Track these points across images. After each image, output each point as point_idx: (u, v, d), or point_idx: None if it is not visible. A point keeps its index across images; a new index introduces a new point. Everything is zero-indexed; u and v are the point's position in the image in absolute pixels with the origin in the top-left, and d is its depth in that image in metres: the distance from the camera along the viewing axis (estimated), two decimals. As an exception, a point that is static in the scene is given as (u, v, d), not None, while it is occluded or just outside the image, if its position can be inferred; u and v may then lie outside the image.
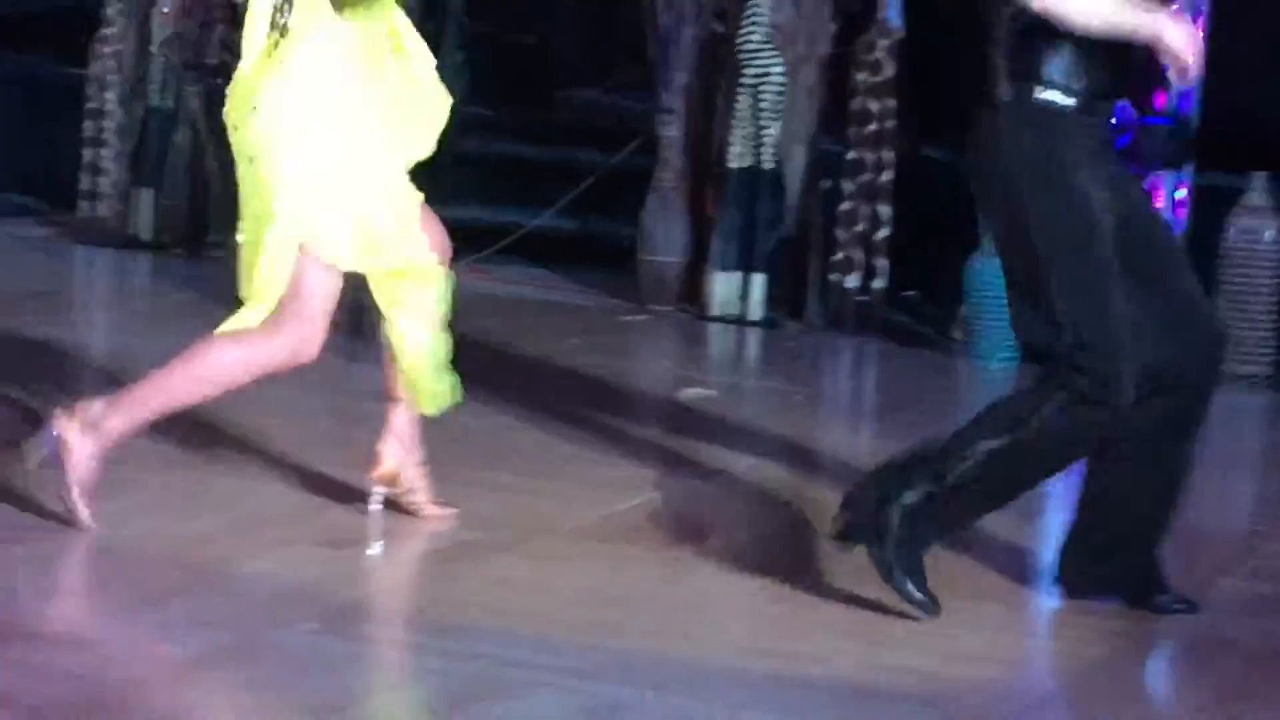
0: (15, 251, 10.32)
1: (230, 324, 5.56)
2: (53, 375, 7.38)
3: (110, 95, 10.59)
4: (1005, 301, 8.60)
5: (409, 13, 5.84)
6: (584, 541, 5.83)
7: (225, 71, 10.60)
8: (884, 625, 5.14)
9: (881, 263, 9.48)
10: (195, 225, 10.55)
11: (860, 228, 9.49)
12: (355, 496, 5.85)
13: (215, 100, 10.56)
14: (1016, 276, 5.42)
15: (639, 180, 9.92)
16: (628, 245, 9.96)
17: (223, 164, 10.64)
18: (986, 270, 9.02)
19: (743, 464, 6.94)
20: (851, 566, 5.33)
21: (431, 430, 5.81)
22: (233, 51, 10.46)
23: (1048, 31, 5.16)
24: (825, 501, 5.86)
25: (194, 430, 6.42)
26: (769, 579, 5.50)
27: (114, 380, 7.68)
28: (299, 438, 6.64)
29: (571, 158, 10.63)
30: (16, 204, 11.29)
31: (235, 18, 10.57)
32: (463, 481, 6.13)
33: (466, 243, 10.55)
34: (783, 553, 5.76)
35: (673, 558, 5.69)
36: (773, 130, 9.55)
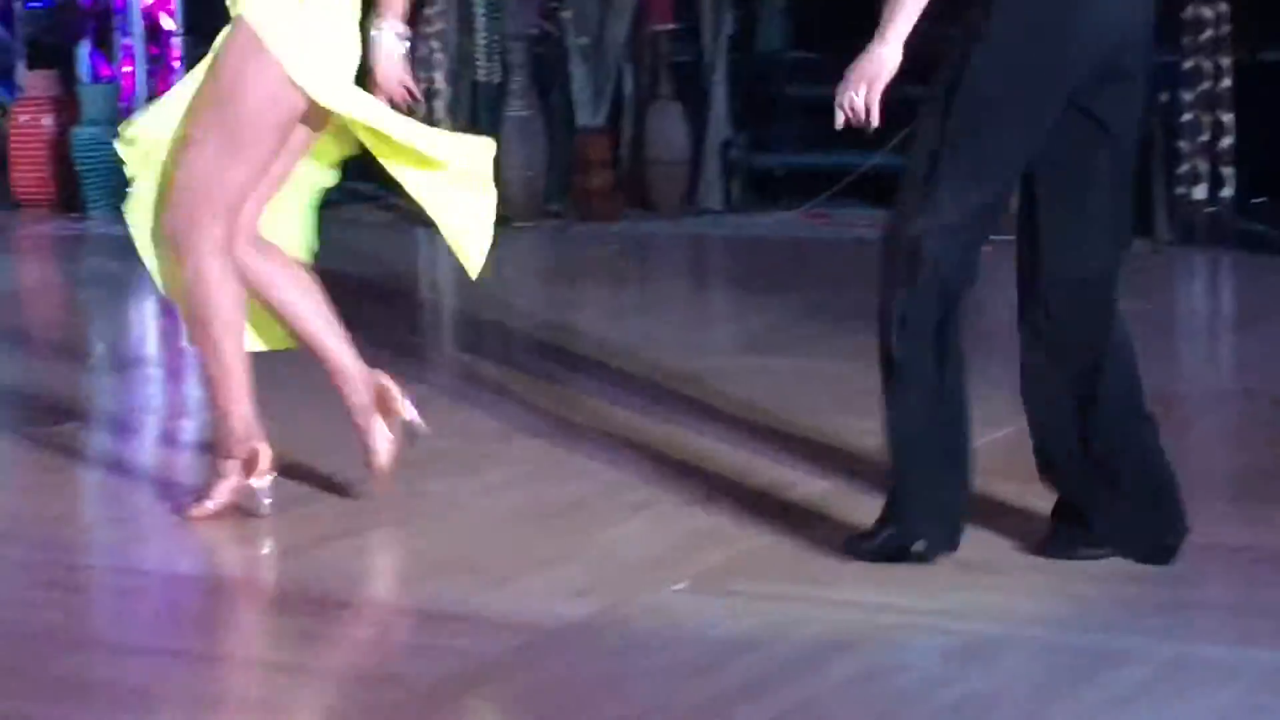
0: (358, 236, 10.50)
1: None
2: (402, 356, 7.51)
3: (438, 74, 10.77)
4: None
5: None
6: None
7: (547, 41, 10.84)
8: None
9: (1228, 171, 9.39)
10: (533, 197, 10.72)
11: (1203, 138, 9.40)
12: (710, 458, 5.91)
13: (541, 71, 10.82)
14: None
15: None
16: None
17: (553, 135, 10.85)
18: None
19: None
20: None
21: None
22: (554, 21, 10.73)
23: None
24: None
25: (550, 402, 6.55)
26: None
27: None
28: (647, 403, 6.74)
29: (902, 94, 10.61)
30: (354, 191, 11.48)
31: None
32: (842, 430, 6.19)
33: (802, 189, 10.73)
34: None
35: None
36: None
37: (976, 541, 4.97)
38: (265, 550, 5.28)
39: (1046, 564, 4.87)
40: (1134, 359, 5.00)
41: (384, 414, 5.58)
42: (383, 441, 5.53)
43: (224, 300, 5.47)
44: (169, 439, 6.67)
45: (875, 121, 4.95)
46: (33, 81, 11.87)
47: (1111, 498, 4.93)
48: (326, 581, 4.92)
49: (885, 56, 5.08)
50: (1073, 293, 4.93)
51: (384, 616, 4.80)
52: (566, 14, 10.72)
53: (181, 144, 5.45)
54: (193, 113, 5.44)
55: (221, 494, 5.47)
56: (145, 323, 9.15)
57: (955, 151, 4.92)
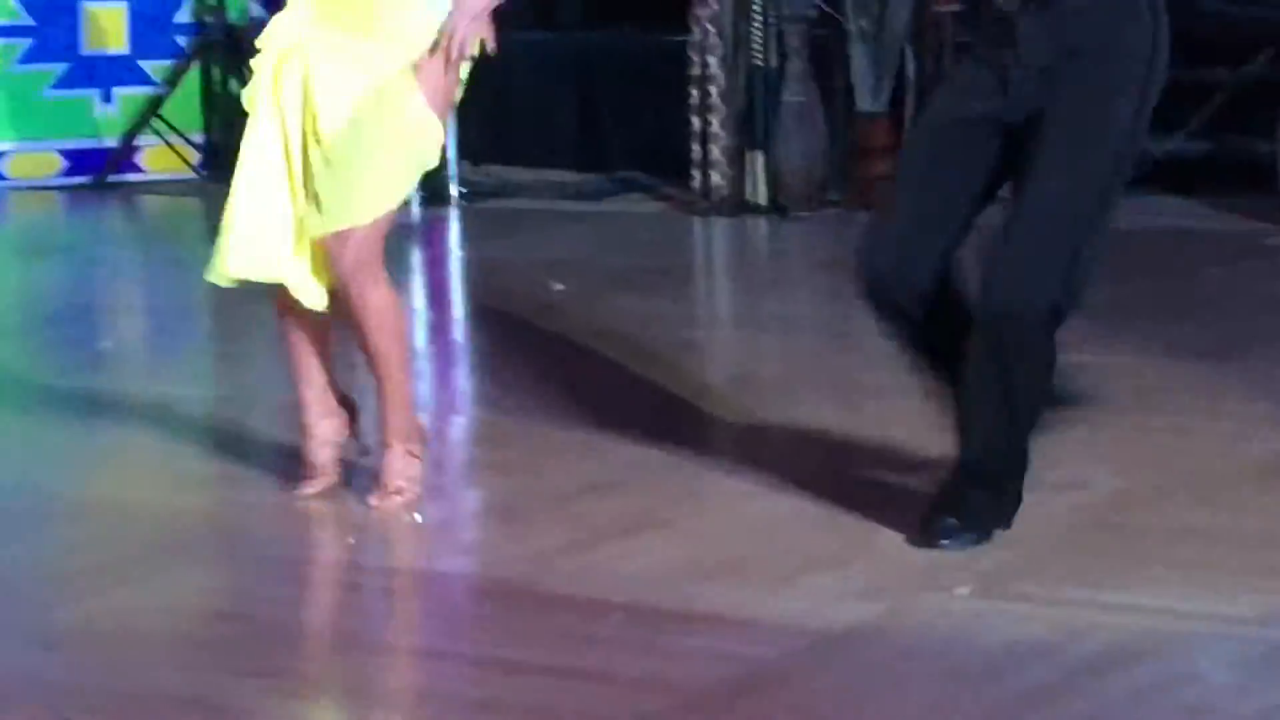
0: (631, 228, 10.56)
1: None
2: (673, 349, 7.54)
3: (712, 59, 10.78)
4: None
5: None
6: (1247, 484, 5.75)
7: (826, 24, 10.82)
8: None
9: None
10: (811, 185, 10.71)
11: None
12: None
13: (819, 55, 10.80)
14: None
15: (1275, 93, 9.80)
16: (1268, 163, 9.84)
17: (832, 121, 10.84)
18: None
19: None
20: None
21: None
22: (834, 2, 10.70)
23: None
24: None
25: (835, 399, 6.56)
26: None
27: (733, 357, 7.93)
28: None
29: (1202, 75, 10.52)
30: (625, 180, 11.55)
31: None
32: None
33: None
34: None
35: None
36: None
37: (1272, 544, 4.92)
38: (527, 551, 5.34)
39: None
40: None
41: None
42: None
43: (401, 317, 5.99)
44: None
45: None
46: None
47: None
48: (598, 583, 4.96)
49: None
50: None
51: (656, 619, 4.79)
52: (847, -6, 10.70)
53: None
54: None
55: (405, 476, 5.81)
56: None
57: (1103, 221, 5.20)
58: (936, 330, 5.33)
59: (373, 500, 5.81)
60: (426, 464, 5.91)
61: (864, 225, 5.45)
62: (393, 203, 5.76)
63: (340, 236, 5.67)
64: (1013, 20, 5.16)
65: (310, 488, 5.92)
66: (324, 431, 5.97)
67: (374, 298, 5.76)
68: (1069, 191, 5.15)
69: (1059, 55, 5.16)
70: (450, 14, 5.50)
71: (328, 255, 5.71)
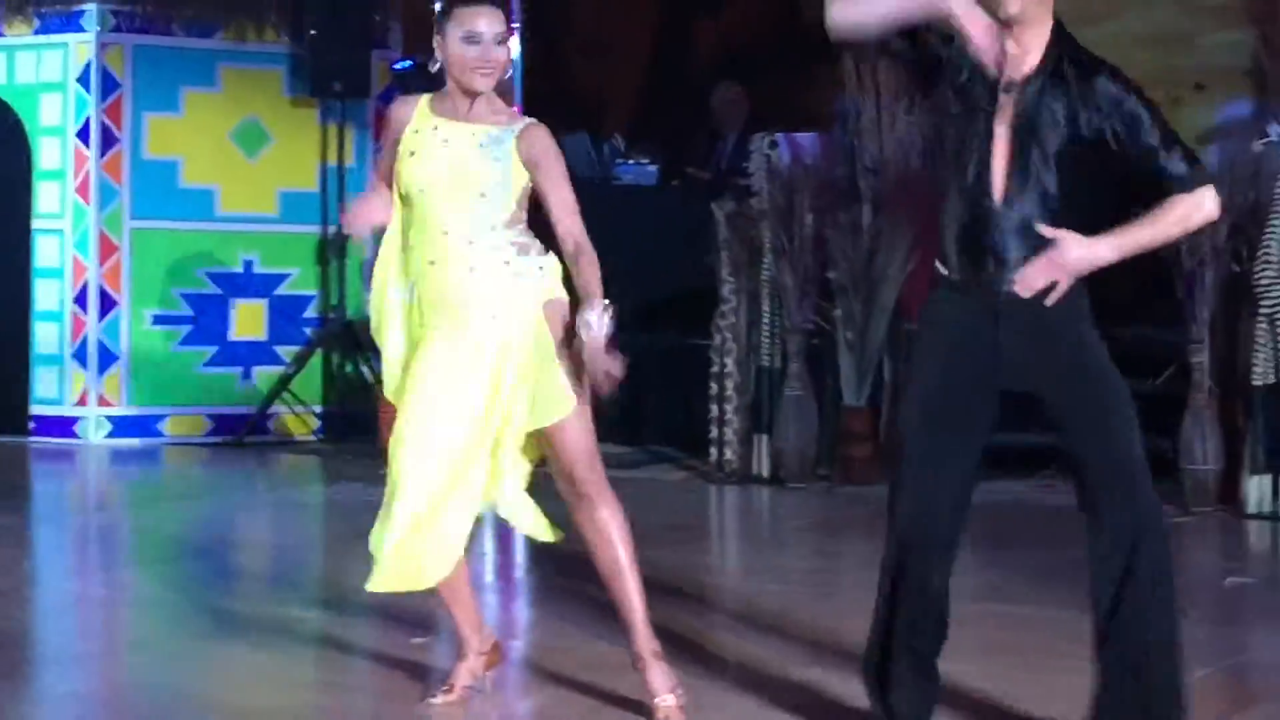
0: (659, 493, 10.56)
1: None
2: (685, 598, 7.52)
3: (729, 360, 10.84)
4: None
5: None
6: None
7: (820, 334, 10.89)
8: None
9: None
10: (805, 462, 10.73)
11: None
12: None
13: (814, 358, 10.85)
14: None
15: (1177, 401, 9.81)
16: (1170, 457, 9.84)
17: (823, 411, 10.87)
18: None
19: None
20: None
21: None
22: (824, 317, 10.78)
23: None
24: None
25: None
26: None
27: (742, 598, 7.89)
28: None
29: (1119, 385, 10.53)
30: (656, 453, 11.57)
31: (825, 291, 10.84)
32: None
33: (1035, 462, 10.61)
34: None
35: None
36: (1291, 351, 9.39)
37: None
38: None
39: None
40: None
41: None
42: None
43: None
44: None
45: None
46: (402, 357, 12.10)
47: None
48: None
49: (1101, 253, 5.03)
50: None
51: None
52: (837, 312, 10.76)
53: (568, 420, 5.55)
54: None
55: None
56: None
57: None
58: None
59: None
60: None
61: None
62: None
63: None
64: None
65: (442, 698, 5.75)
66: (474, 650, 5.77)
67: (610, 501, 5.65)
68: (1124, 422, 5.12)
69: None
70: (587, 353, 5.41)
71: (563, 467, 5.57)
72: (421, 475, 5.48)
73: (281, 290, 12.72)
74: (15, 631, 6.92)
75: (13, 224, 12.47)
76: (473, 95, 5.52)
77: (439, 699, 5.77)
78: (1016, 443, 10.78)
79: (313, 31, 12.29)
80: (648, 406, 11.85)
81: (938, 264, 5.27)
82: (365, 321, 12.60)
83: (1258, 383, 9.41)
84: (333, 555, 8.78)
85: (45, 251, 12.47)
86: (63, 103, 12.39)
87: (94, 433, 12.26)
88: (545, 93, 12.45)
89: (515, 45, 11.74)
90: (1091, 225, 5.07)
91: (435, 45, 5.56)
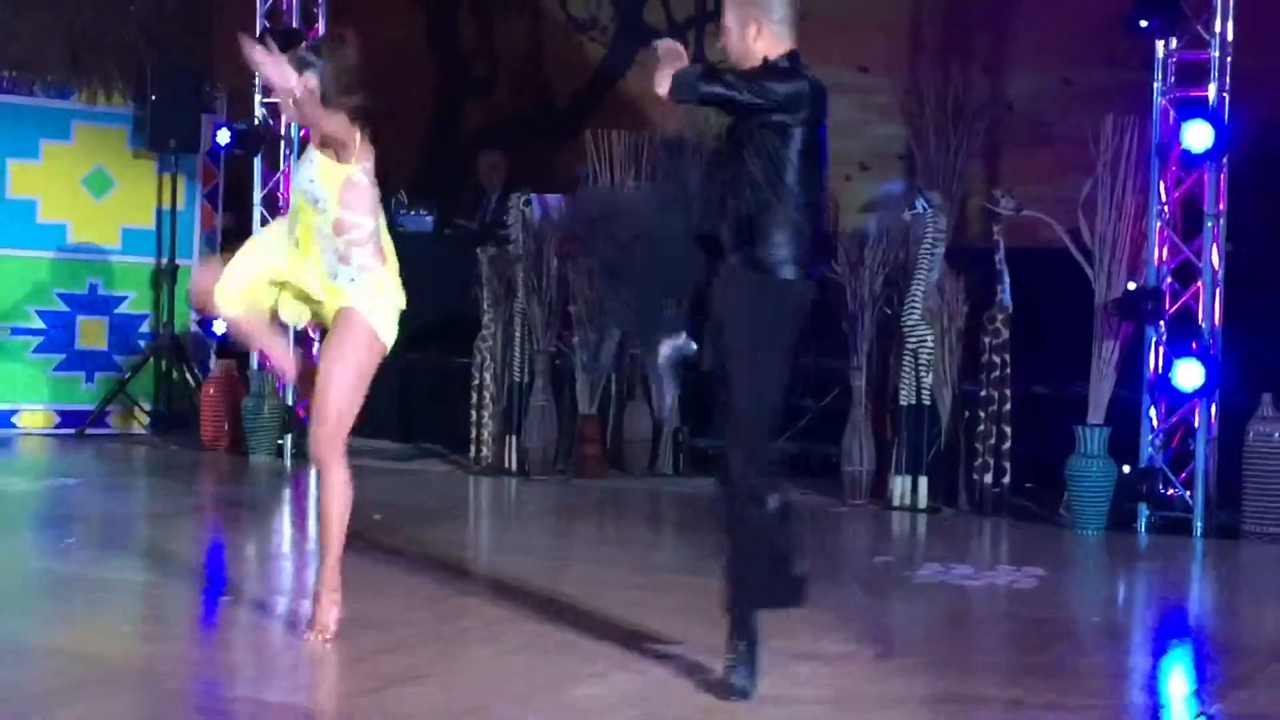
0: (427, 481, 10.53)
1: None
2: (446, 559, 7.50)
3: (487, 374, 10.81)
4: (1097, 486, 8.63)
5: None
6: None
7: (561, 356, 10.92)
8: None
9: (1006, 465, 9.43)
10: (547, 459, 10.74)
11: (991, 442, 9.44)
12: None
13: (556, 375, 10.88)
14: None
15: (840, 415, 9.98)
16: (834, 460, 10.00)
17: (560, 415, 10.89)
18: (1080, 467, 8.99)
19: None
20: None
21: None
22: (565, 343, 10.81)
23: None
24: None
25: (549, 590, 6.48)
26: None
27: (492, 557, 7.88)
28: (620, 590, 6.63)
29: (795, 402, 10.69)
30: (426, 449, 11.52)
31: (567, 321, 10.87)
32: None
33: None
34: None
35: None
36: (929, 378, 9.57)
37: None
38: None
39: None
40: None
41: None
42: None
43: (349, 496, 5.72)
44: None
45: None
46: (219, 366, 11.93)
47: None
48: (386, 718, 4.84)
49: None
50: None
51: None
52: (575, 339, 10.79)
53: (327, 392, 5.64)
54: (332, 374, 5.64)
55: (331, 619, 5.66)
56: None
57: None
58: None
59: (306, 635, 5.65)
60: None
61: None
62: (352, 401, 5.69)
63: (319, 419, 5.61)
64: None
65: (314, 636, 5.72)
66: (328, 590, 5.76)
67: (336, 473, 5.69)
68: None
69: None
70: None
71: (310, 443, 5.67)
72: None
73: (121, 309, 12.46)
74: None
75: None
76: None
77: (311, 637, 5.74)
78: (713, 446, 11.01)
79: (153, 96, 12.10)
80: (420, 411, 11.79)
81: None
82: (190, 336, 12.46)
83: (903, 403, 9.59)
84: (156, 526, 8.60)
85: (-77, 269, 12.11)
86: (-61, 149, 12.05)
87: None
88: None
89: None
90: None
91: None
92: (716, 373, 5.31)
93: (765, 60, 5.30)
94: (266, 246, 5.88)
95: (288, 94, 5.52)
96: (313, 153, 5.75)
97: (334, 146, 5.65)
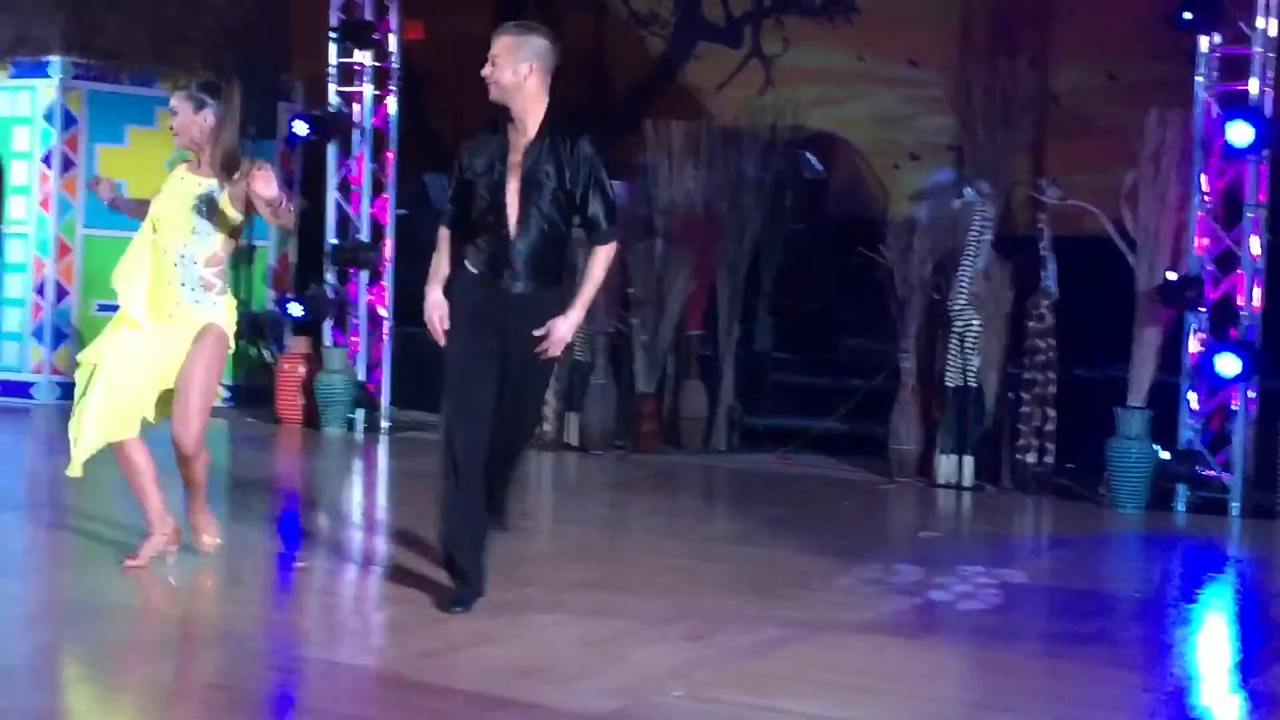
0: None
1: None
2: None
3: (550, 354, 10.81)
4: (1137, 466, 8.56)
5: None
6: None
7: (621, 336, 10.92)
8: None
9: (1049, 446, 9.38)
10: (605, 435, 10.75)
11: (1035, 423, 9.40)
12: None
13: (615, 355, 10.88)
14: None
15: (888, 397, 9.95)
16: (881, 439, 9.97)
17: (619, 393, 10.89)
18: (1120, 448, 8.92)
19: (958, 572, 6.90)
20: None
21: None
22: (625, 324, 10.80)
23: None
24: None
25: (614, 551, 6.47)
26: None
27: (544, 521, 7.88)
28: (676, 561, 6.62)
29: (845, 383, 10.69)
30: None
31: (626, 303, 10.87)
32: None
33: (778, 440, 10.75)
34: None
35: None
36: (975, 361, 9.53)
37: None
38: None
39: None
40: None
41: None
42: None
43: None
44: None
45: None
46: (295, 343, 11.99)
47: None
48: (451, 675, 4.87)
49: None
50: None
51: (490, 704, 4.69)
52: (634, 320, 10.79)
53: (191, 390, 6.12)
54: (194, 376, 6.13)
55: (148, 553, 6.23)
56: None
57: None
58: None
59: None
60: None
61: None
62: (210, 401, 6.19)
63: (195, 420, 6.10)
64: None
65: (130, 563, 6.21)
66: (163, 530, 6.26)
67: (205, 454, 6.25)
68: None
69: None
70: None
71: (179, 439, 6.10)
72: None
73: (201, 288, 12.52)
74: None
75: (-13, 228, 12.22)
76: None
77: (129, 563, 6.21)
78: (765, 425, 11.01)
79: (233, 85, 12.14)
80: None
81: (467, 264, 5.68)
82: (268, 314, 12.53)
83: (949, 384, 9.56)
84: (235, 495, 8.65)
85: (13, 251, 12.21)
86: (30, 134, 12.15)
87: (47, 395, 12.02)
88: (414, 142, 12.35)
89: (392, 104, 11.67)
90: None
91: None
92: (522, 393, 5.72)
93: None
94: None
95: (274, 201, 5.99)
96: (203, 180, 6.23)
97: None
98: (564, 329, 5.59)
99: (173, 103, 6.26)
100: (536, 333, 5.57)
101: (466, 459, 5.54)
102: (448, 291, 5.69)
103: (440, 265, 5.70)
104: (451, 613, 5.58)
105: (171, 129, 6.26)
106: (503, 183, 5.58)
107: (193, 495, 6.40)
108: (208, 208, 6.13)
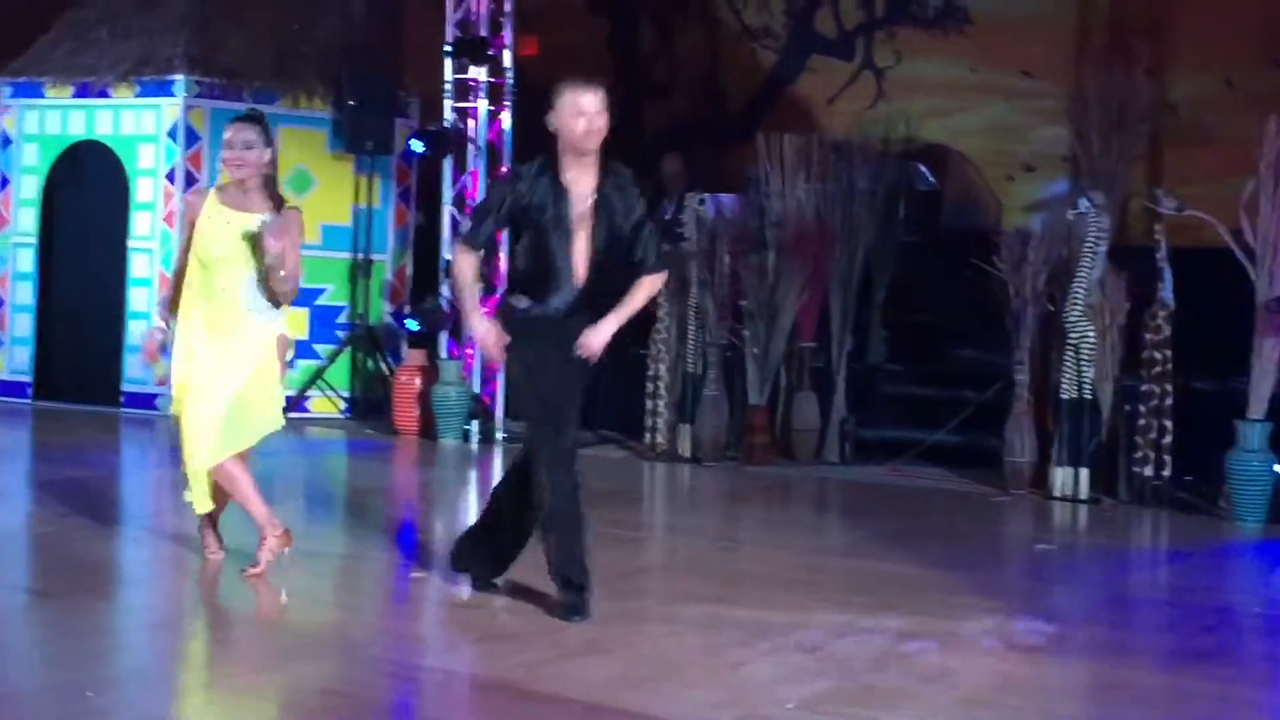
0: (606, 466, 10.54)
1: None
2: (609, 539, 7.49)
3: (662, 366, 10.84)
4: (1257, 480, 8.39)
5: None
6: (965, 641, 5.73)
7: (733, 347, 10.89)
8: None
9: (1166, 458, 9.23)
10: (718, 446, 10.73)
11: (1152, 435, 9.25)
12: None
13: (728, 367, 10.86)
14: None
15: (1002, 408, 9.85)
16: (995, 451, 9.87)
17: (731, 404, 10.87)
18: (1240, 461, 8.76)
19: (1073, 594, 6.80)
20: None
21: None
22: (736, 335, 10.78)
23: None
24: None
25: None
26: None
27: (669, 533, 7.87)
28: (788, 571, 6.58)
29: (958, 395, 10.60)
30: (605, 436, 11.55)
31: (738, 315, 10.85)
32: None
33: (890, 452, 10.67)
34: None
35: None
36: (1090, 373, 9.40)
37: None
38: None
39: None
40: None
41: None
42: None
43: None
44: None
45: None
46: (411, 356, 12.08)
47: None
48: (563, 685, 4.86)
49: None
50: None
51: (604, 714, 4.68)
52: (746, 332, 10.77)
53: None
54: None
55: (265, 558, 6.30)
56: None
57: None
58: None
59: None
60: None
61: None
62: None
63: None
64: None
65: (251, 570, 6.27)
66: (274, 532, 6.34)
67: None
68: None
69: None
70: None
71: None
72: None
73: (320, 301, 12.65)
74: (102, 555, 6.88)
75: (114, 243, 12.41)
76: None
77: (250, 572, 6.24)
78: (878, 436, 10.93)
79: (351, 102, 12.28)
80: (598, 401, 11.81)
81: (523, 305, 5.76)
82: (385, 327, 12.65)
83: (1064, 396, 9.43)
84: (353, 505, 8.73)
85: (138, 265, 12.40)
86: (155, 151, 12.33)
87: (170, 407, 12.18)
88: (528, 157, 12.42)
89: (506, 119, 11.73)
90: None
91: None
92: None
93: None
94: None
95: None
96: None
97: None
98: (596, 342, 5.69)
99: (250, 135, 6.23)
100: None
101: (567, 477, 5.66)
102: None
103: (474, 294, 5.90)
104: (572, 621, 5.59)
105: (233, 161, 6.19)
106: (569, 233, 5.68)
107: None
108: (261, 241, 6.19)
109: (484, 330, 5.74)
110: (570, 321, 5.72)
